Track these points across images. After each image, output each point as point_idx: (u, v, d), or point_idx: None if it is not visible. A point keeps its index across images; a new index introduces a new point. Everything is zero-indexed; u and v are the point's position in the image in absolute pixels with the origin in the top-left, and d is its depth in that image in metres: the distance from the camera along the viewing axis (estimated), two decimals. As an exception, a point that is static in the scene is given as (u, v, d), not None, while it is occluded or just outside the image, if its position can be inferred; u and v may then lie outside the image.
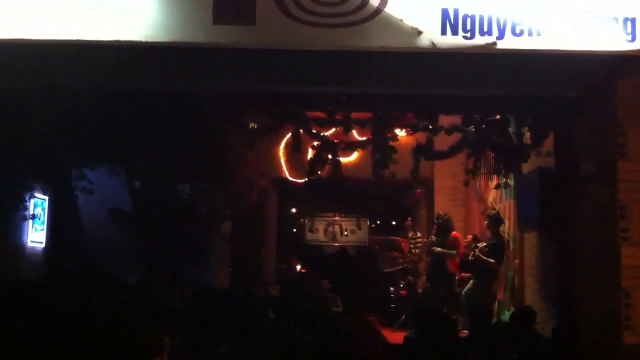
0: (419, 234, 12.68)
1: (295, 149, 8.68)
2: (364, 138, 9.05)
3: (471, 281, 9.80)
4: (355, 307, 11.59)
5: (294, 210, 16.53)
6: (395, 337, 9.26)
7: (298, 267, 15.38)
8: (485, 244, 9.71)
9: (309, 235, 17.40)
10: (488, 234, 9.93)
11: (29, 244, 10.86)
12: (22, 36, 5.77)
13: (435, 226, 10.93)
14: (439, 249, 10.56)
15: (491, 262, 9.45)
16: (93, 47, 5.78)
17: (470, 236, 10.61)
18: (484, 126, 8.02)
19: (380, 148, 8.22)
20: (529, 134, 7.98)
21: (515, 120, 7.93)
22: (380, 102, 7.34)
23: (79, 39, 5.75)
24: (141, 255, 10.54)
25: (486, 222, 10.03)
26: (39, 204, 10.89)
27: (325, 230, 17.39)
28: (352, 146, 9.43)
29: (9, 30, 5.76)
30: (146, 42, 5.74)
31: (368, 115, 8.26)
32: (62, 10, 5.77)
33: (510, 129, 7.99)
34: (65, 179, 9.10)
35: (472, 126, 8.09)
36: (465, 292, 9.79)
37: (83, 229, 11.09)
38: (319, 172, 9.26)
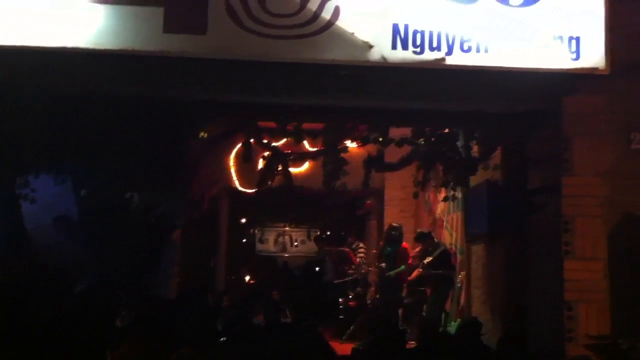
0: (360, 244, 12.78)
1: (245, 159, 8.62)
2: (316, 149, 9.06)
3: (430, 295, 9.93)
4: (304, 318, 11.54)
5: (244, 220, 16.41)
6: (344, 348, 9.24)
7: (247, 278, 15.27)
8: (430, 257, 9.85)
9: (259, 246, 17.29)
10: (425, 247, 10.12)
11: (-31, 252, 10.57)
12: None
13: (389, 237, 10.98)
14: (392, 272, 10.64)
15: (440, 272, 9.61)
16: (40, 52, 5.68)
17: (418, 248, 10.73)
18: (433, 139, 8.11)
19: (331, 159, 8.24)
20: (477, 147, 8.11)
21: (464, 134, 8.05)
22: (332, 113, 7.36)
23: (25, 45, 5.66)
24: (87, 265, 10.34)
25: (419, 245, 10.26)
26: (-19, 211, 10.61)
27: (276, 241, 17.31)
28: (303, 157, 9.42)
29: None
30: (94, 50, 5.67)
31: (320, 125, 8.28)
32: (8, 14, 5.67)
33: (459, 143, 8.11)
34: (8, 186, 8.87)
35: (422, 139, 8.17)
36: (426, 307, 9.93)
37: (27, 237, 10.83)
38: (270, 183, 9.22)
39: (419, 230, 10.55)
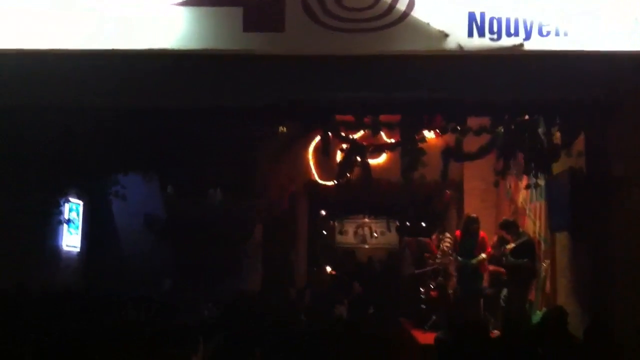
0: (447, 234, 12.71)
1: (324, 153, 8.72)
2: (393, 140, 9.06)
3: (508, 285, 9.81)
4: (386, 309, 11.61)
5: (323, 212, 16.55)
6: (427, 337, 9.27)
7: (329, 270, 15.40)
8: (513, 245, 9.71)
9: (339, 238, 17.43)
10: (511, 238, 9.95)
11: (65, 248, 11.10)
12: (56, 46, 5.91)
13: (467, 229, 10.88)
14: (474, 260, 10.56)
15: (524, 262, 9.47)
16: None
17: (495, 237, 10.62)
18: (512, 127, 7.99)
19: (409, 150, 8.23)
20: (559, 133, 7.94)
21: (545, 120, 7.89)
22: (408, 105, 7.36)
23: (114, 49, 5.88)
24: (175, 261, 10.70)
25: (504, 232, 10.08)
26: (73, 208, 11.13)
27: (355, 233, 17.42)
28: (380, 148, 9.45)
29: (37, 40, 5.91)
30: (179, 50, 5.85)
31: (397, 117, 8.28)
32: (95, 21, 5.91)
33: (540, 129, 7.96)
34: (100, 185, 9.30)
35: (501, 127, 8.07)
36: (503, 297, 9.82)
37: (117, 234, 11.31)
38: (348, 175, 9.28)
39: (504, 218, 10.39)
